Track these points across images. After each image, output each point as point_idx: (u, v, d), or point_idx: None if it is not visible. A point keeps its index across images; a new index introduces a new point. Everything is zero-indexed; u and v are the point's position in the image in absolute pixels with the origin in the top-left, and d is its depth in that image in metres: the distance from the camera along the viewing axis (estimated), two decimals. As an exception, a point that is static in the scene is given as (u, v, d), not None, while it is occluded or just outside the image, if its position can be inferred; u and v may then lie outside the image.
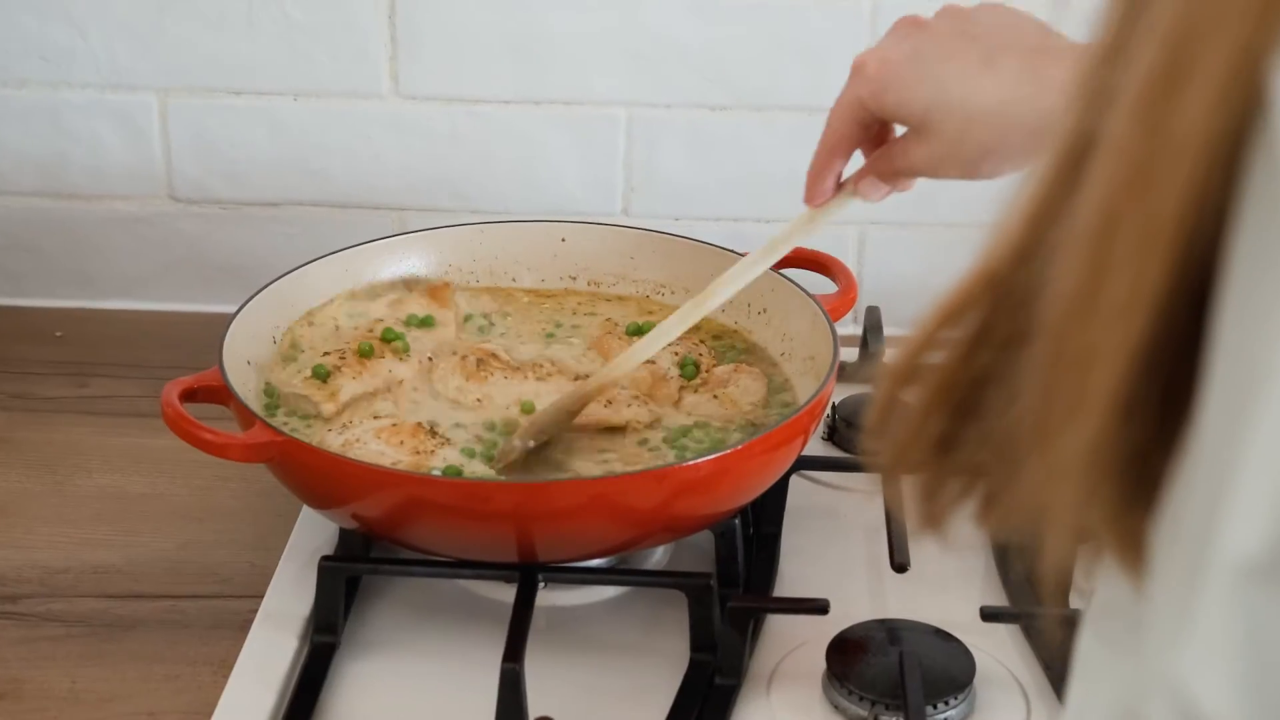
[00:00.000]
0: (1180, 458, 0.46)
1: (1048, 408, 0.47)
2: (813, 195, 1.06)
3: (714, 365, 1.21)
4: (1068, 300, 0.45)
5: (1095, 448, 0.46)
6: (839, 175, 1.06)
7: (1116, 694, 0.53)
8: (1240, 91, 0.41)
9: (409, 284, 1.29)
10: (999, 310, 0.50)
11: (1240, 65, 0.41)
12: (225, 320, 1.17)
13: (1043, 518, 0.48)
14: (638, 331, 1.25)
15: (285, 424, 1.15)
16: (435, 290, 1.28)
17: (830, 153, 1.04)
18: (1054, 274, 0.46)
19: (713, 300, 1.11)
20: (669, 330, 1.11)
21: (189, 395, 1.10)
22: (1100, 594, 0.55)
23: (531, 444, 1.12)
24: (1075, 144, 0.47)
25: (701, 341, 1.25)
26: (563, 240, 1.33)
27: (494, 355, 1.21)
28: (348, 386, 1.17)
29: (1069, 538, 0.49)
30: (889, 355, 0.54)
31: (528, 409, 1.16)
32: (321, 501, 1.10)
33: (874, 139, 1.04)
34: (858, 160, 1.06)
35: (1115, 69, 0.45)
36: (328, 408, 1.15)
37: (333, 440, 1.10)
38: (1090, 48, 0.47)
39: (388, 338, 1.22)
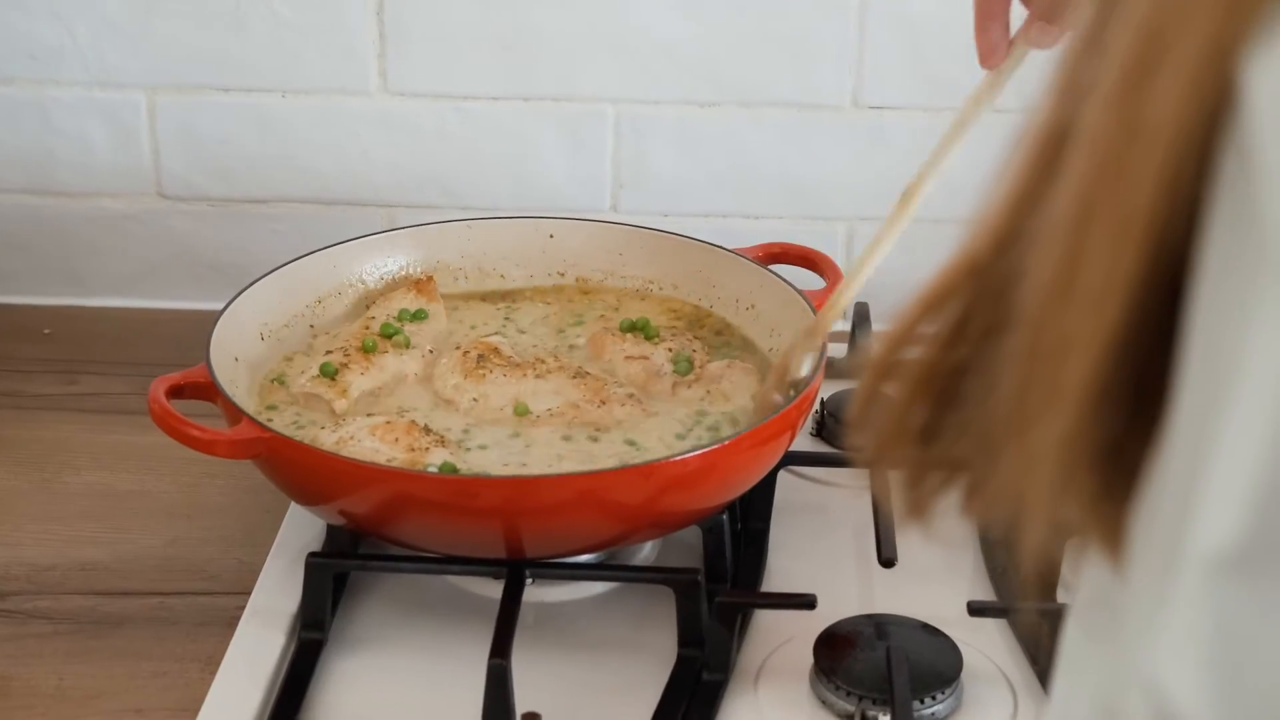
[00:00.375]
0: (1156, 448, 0.46)
1: (1024, 397, 0.47)
2: (986, 55, 1.02)
3: (707, 362, 1.21)
4: (1044, 289, 0.46)
5: (1071, 437, 0.46)
6: (1007, 26, 1.01)
7: (1100, 686, 0.53)
8: (1211, 83, 0.42)
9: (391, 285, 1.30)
10: (979, 300, 0.50)
11: (1211, 56, 0.41)
12: (214, 317, 1.17)
13: (1020, 506, 0.48)
14: (631, 328, 1.25)
15: (294, 421, 1.15)
16: (420, 284, 1.28)
17: (987, 7, 1.00)
18: (1031, 263, 0.46)
19: (921, 193, 1.09)
20: (896, 225, 1.11)
21: (176, 392, 1.10)
22: (1086, 586, 0.56)
23: (792, 394, 1.11)
24: (1053, 133, 0.47)
25: (697, 337, 1.25)
26: (551, 236, 1.33)
27: (496, 350, 1.21)
28: (357, 382, 1.18)
29: (1046, 526, 0.49)
30: (872, 347, 0.54)
31: (521, 411, 1.16)
32: (309, 498, 1.10)
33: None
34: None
35: (1092, 60, 0.45)
36: (340, 404, 1.16)
37: (326, 438, 1.10)
38: (1069, 39, 0.47)
39: (387, 332, 1.22)
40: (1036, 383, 0.46)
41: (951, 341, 0.51)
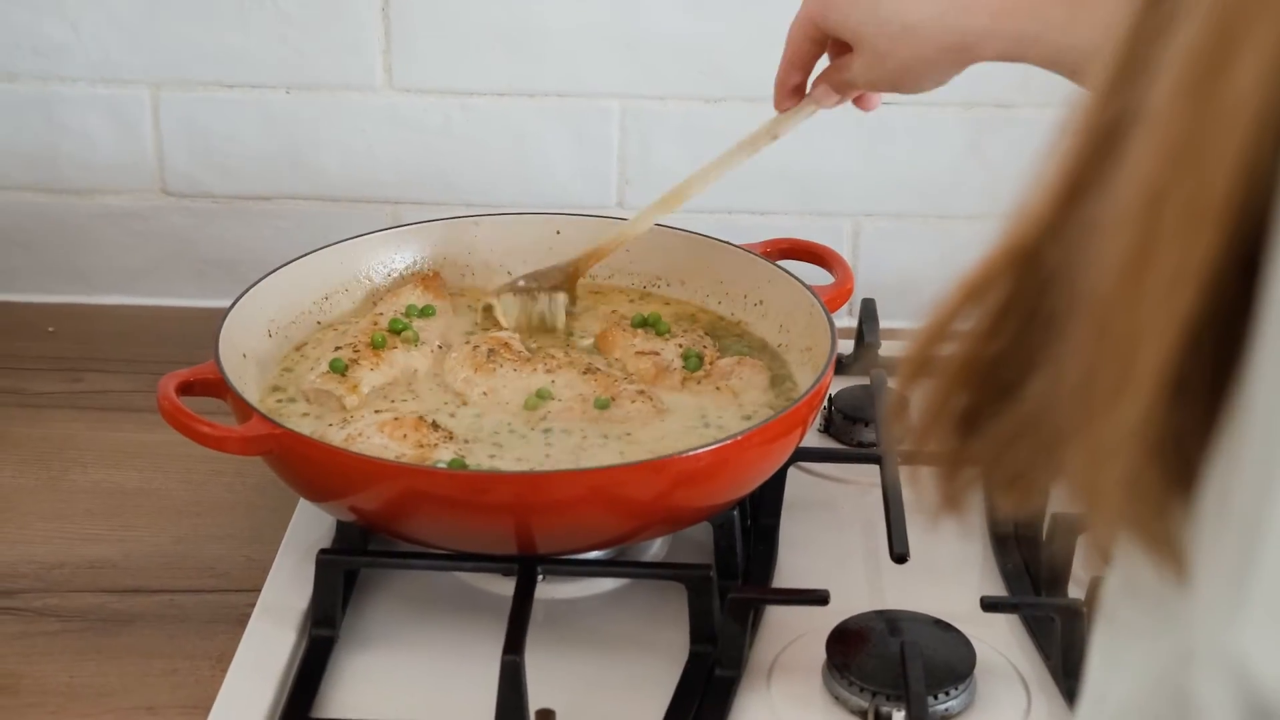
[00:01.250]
0: (1222, 436, 0.46)
1: (1092, 387, 0.46)
2: (778, 101, 1.18)
3: (717, 358, 1.21)
4: (1113, 276, 0.45)
5: (1143, 427, 0.45)
6: (801, 86, 1.17)
7: (1139, 676, 0.52)
8: None
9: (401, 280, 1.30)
10: (1024, 287, 0.50)
11: None
12: (218, 314, 1.17)
13: (1086, 500, 0.48)
14: (643, 324, 1.25)
15: (305, 416, 1.15)
16: (427, 280, 1.28)
17: (789, 66, 1.16)
18: (1096, 250, 0.46)
19: (691, 191, 1.22)
20: (656, 209, 1.24)
21: (185, 388, 1.10)
22: (1118, 578, 0.55)
23: (522, 283, 1.26)
24: (1109, 119, 0.46)
25: (707, 333, 1.25)
26: (557, 233, 1.32)
27: (507, 345, 1.20)
28: (368, 378, 1.17)
29: (1114, 520, 0.48)
30: (911, 336, 0.54)
31: (531, 406, 1.15)
32: (319, 494, 1.09)
33: (836, 54, 1.14)
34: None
35: (1153, 44, 0.45)
36: (351, 400, 1.15)
37: (335, 434, 1.10)
38: (1121, 24, 0.47)
39: (395, 328, 1.22)
40: (1106, 372, 0.45)
41: (993, 331, 0.51)
